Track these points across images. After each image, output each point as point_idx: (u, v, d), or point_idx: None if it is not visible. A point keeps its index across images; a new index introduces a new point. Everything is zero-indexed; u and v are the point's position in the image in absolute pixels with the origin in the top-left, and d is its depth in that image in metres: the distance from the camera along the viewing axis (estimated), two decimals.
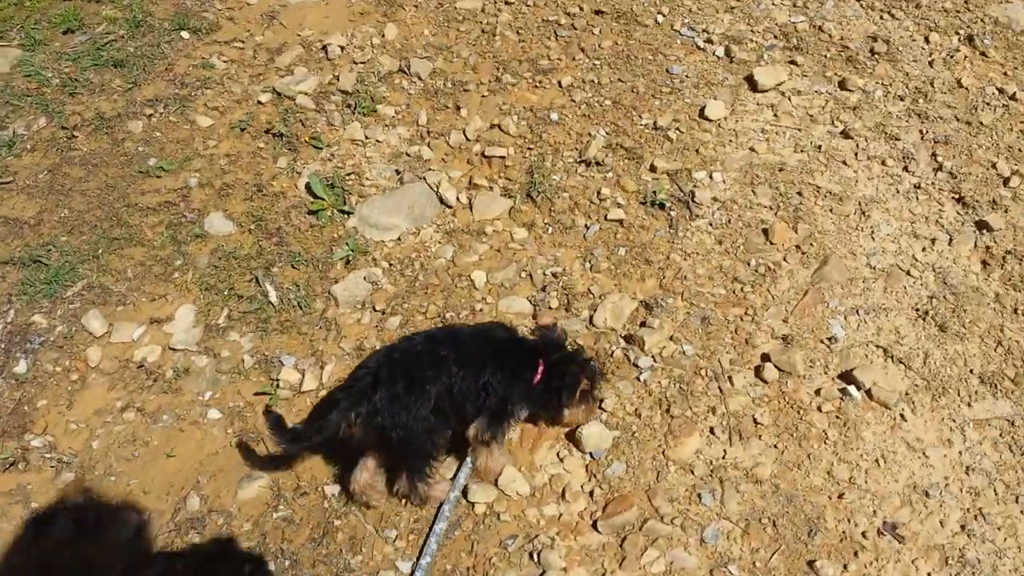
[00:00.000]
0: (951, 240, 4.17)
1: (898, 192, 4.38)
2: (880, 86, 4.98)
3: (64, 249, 3.94)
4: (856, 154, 4.58)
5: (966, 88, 4.95)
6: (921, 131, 4.73)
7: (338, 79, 4.84)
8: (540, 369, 3.08)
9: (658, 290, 3.88)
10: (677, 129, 4.67)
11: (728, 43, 5.20)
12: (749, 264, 3.99)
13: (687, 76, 5.01)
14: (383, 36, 5.16)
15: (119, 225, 4.04)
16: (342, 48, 5.04)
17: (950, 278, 3.98)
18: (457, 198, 4.23)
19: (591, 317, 3.79)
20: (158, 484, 3.28)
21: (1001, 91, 4.95)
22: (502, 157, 4.47)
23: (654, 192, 4.26)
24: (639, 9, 5.45)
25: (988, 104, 4.85)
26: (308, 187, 4.21)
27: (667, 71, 5.03)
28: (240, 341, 3.67)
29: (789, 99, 4.87)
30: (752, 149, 4.55)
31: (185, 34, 5.07)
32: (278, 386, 3.49)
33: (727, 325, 3.76)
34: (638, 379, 3.56)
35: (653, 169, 4.43)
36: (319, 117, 4.63)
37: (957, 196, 4.38)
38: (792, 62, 5.11)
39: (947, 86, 4.97)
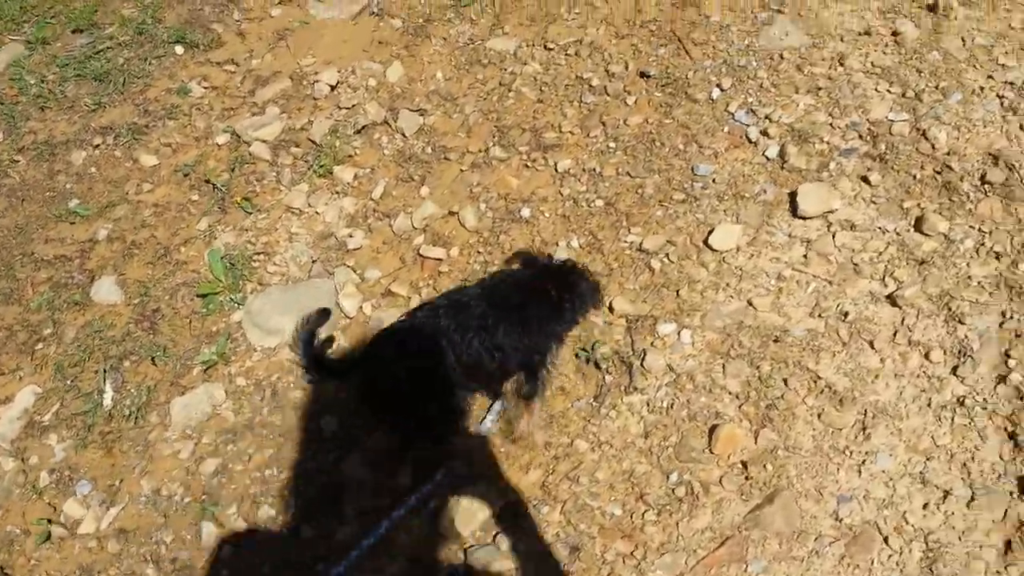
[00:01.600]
0: (972, 500, 2.96)
1: (928, 406, 3.18)
2: (973, 233, 3.67)
3: None
4: (895, 334, 3.39)
5: None
6: (1003, 314, 3.41)
7: (311, 125, 4.22)
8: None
9: (538, 490, 3.01)
10: (666, 256, 3.68)
11: (789, 139, 4.03)
12: (669, 477, 3.04)
13: (714, 180, 3.95)
14: (384, 76, 4.45)
15: (6, 276, 3.76)
16: (332, 87, 4.43)
17: (944, 562, 2.81)
18: (359, 308, 3.52)
19: (437, 511, 3.01)
20: None
21: None
22: (439, 260, 3.69)
23: (595, 345, 3.34)
24: (695, 78, 4.38)
25: None
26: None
27: (692, 170, 3.98)
28: (55, 448, 3.28)
29: (834, 236, 3.70)
30: (751, 303, 3.48)
31: (179, 49, 4.66)
32: (50, 522, 3.04)
33: (600, 566, 2.88)
34: None
35: (611, 309, 3.49)
36: (269, 171, 4.07)
37: (1011, 430, 3.10)
38: (864, 179, 3.87)
39: None
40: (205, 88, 4.51)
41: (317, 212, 3.95)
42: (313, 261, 3.74)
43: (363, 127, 4.28)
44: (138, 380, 3.41)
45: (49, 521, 3.12)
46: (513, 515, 2.98)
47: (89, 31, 4.86)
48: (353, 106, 4.38)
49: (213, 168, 4.10)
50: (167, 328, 3.58)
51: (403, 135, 4.25)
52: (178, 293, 3.69)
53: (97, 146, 4.24)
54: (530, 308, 2.93)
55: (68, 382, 3.46)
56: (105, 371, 3.45)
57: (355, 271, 3.68)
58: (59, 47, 4.78)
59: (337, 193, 4.02)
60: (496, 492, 3.03)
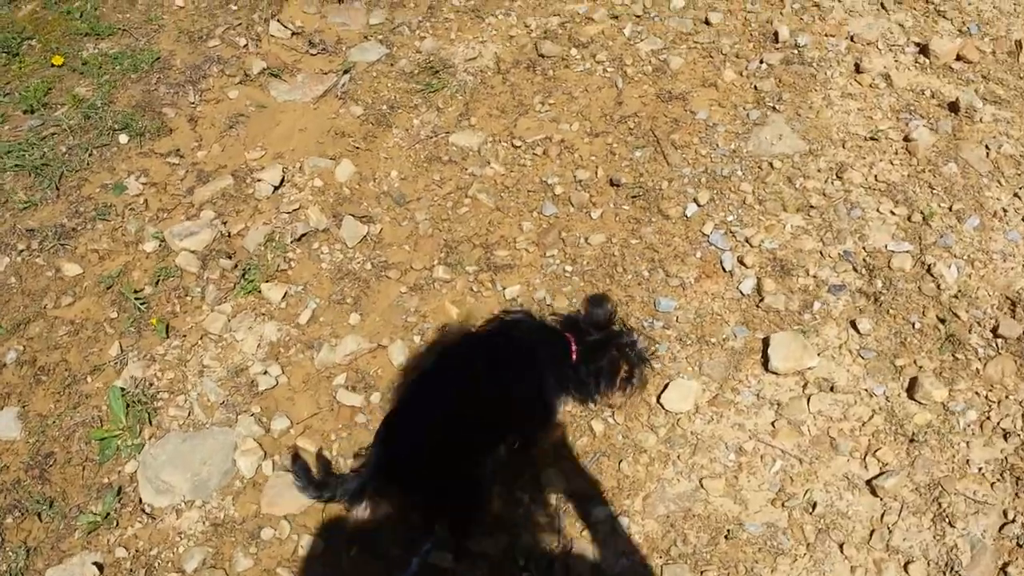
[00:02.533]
0: None
1: None
2: (977, 403, 3.09)
3: None
4: (871, 535, 2.84)
5: None
6: (1005, 515, 2.84)
7: (247, 231, 3.82)
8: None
9: None
10: (612, 416, 3.15)
11: (768, 270, 3.49)
12: None
13: (677, 319, 3.43)
14: (333, 175, 4.03)
15: None
16: (275, 187, 4.01)
17: None
18: (259, 466, 3.09)
19: None
20: None
21: None
22: (355, 407, 3.24)
23: (516, 543, 2.85)
24: (671, 189, 3.88)
25: None
26: None
27: (654, 304, 3.47)
28: None
29: (809, 399, 3.14)
30: (703, 484, 2.94)
31: (123, 138, 4.33)
32: None
33: None
34: None
35: (539, 485, 2.99)
36: (194, 286, 3.67)
37: None
38: (854, 325, 3.31)
39: None
40: (143, 184, 4.16)
41: (236, 339, 3.54)
42: (221, 403, 3.31)
43: (302, 235, 3.87)
44: (19, 539, 3.07)
45: None
46: None
47: (40, 112, 4.57)
48: (295, 210, 3.98)
49: (137, 280, 3.74)
50: (58, 477, 3.21)
51: (344, 245, 3.82)
52: (75, 434, 3.34)
53: (20, 251, 3.91)
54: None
55: None
56: None
57: (261, 420, 3.25)
58: (6, 129, 4.47)
59: (261, 315, 3.62)
60: None
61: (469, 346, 2.97)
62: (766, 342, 3.29)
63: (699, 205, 3.80)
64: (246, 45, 4.94)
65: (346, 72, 4.76)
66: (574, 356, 2.83)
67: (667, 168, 3.99)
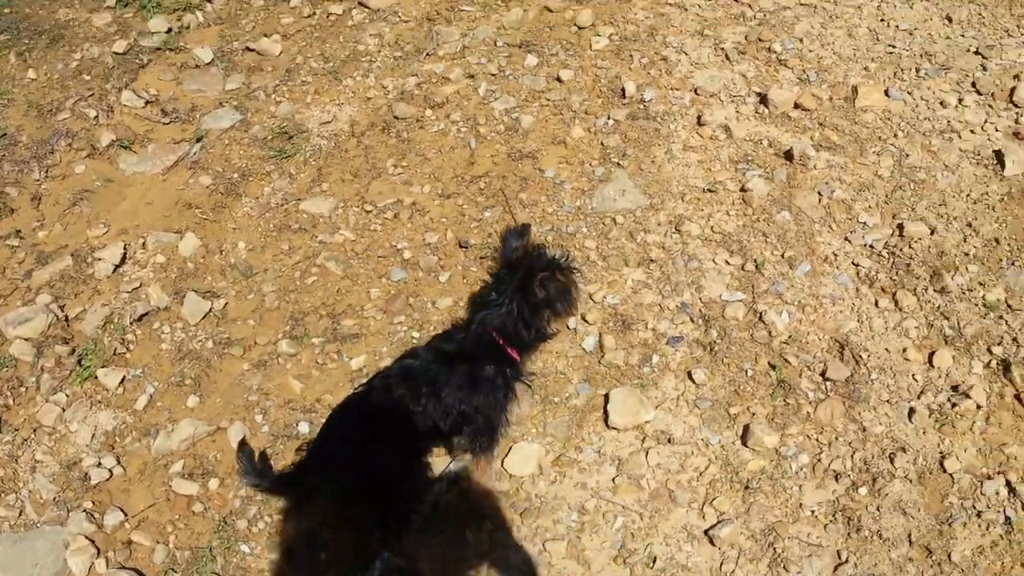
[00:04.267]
0: None
1: None
2: (809, 446, 3.18)
3: None
4: None
5: (951, 475, 3.05)
6: (838, 555, 2.96)
7: (84, 315, 3.67)
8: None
9: None
10: (456, 486, 3.10)
11: (609, 326, 3.52)
12: None
13: (525, 381, 3.38)
14: (176, 250, 3.91)
15: None
16: (116, 266, 3.87)
17: None
18: (91, 566, 2.94)
19: None
20: None
21: (1013, 491, 3.00)
22: (191, 496, 3.11)
23: None
24: None
25: (978, 516, 2.98)
26: None
27: None
28: None
29: (647, 453, 3.17)
30: (544, 547, 2.91)
31: None
32: None
33: None
34: None
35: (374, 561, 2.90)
36: (29, 377, 3.51)
37: None
38: (691, 376, 3.35)
39: (919, 466, 3.10)
40: None
41: (70, 431, 3.42)
42: (53, 499, 3.18)
43: (142, 315, 3.76)
44: None
45: None
46: None
47: None
48: (135, 289, 3.88)
49: None
50: None
51: (186, 323, 3.71)
52: None
53: None
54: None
55: None
56: None
57: (92, 516, 3.11)
58: None
59: (98, 403, 3.50)
60: None
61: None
62: (607, 398, 3.32)
63: None
64: (97, 116, 4.85)
65: (198, 140, 4.71)
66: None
67: None
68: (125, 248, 4.05)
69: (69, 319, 3.82)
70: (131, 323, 3.77)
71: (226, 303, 3.84)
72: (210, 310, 3.81)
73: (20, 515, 3.18)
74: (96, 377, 3.57)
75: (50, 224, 4.27)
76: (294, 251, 4.04)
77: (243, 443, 3.12)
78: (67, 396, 3.54)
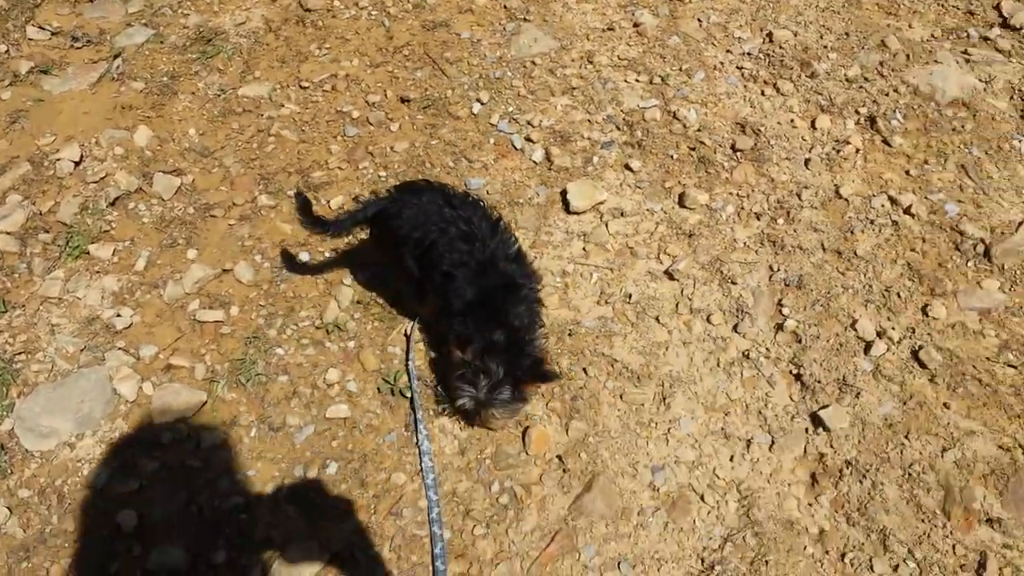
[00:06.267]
0: (773, 444, 3.06)
1: (718, 365, 3.27)
2: (732, 200, 3.83)
3: None
4: (677, 306, 3.46)
5: (845, 199, 3.77)
6: (771, 268, 3.58)
7: (58, 207, 3.85)
8: None
9: (362, 533, 2.83)
10: None
11: (552, 141, 4.08)
12: (491, 488, 2.95)
13: (488, 192, 3.94)
14: (132, 141, 4.14)
15: None
16: (76, 163, 4.09)
17: (758, 507, 2.88)
18: (139, 388, 3.22)
19: None
20: None
21: (894, 201, 3.77)
22: (219, 322, 3.43)
23: (396, 375, 3.21)
24: (455, 95, 4.36)
25: (871, 223, 3.67)
26: None
27: (465, 184, 3.94)
28: None
29: (607, 224, 3.76)
30: (541, 303, 3.44)
31: None
32: None
33: None
34: None
35: (405, 336, 3.35)
36: (19, 264, 3.68)
37: (796, 371, 3.24)
38: (627, 167, 3.97)
39: (821, 197, 3.79)
40: None
41: (78, 297, 3.64)
42: (81, 350, 3.42)
43: (116, 199, 4.00)
44: None
45: None
46: (341, 565, 2.81)
47: None
48: (102, 179, 4.09)
49: None
50: None
51: (161, 199, 4.02)
52: None
53: None
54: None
55: None
56: None
57: (127, 351, 3.40)
58: None
59: (97, 273, 3.73)
60: (319, 546, 2.85)
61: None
62: (564, 192, 3.91)
63: (482, 103, 4.38)
64: (7, 51, 4.93)
65: (116, 56, 4.91)
66: None
67: (447, 80, 4.54)
68: (80, 147, 4.23)
69: (43, 213, 4.01)
70: (107, 207, 4.00)
71: (193, 179, 4.15)
72: (180, 185, 4.09)
73: (52, 368, 3.43)
74: (88, 253, 3.80)
75: None
76: (245, 129, 4.38)
77: (299, 193, 3.39)
78: (64, 272, 3.74)
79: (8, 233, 3.86)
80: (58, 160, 4.18)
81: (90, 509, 2.98)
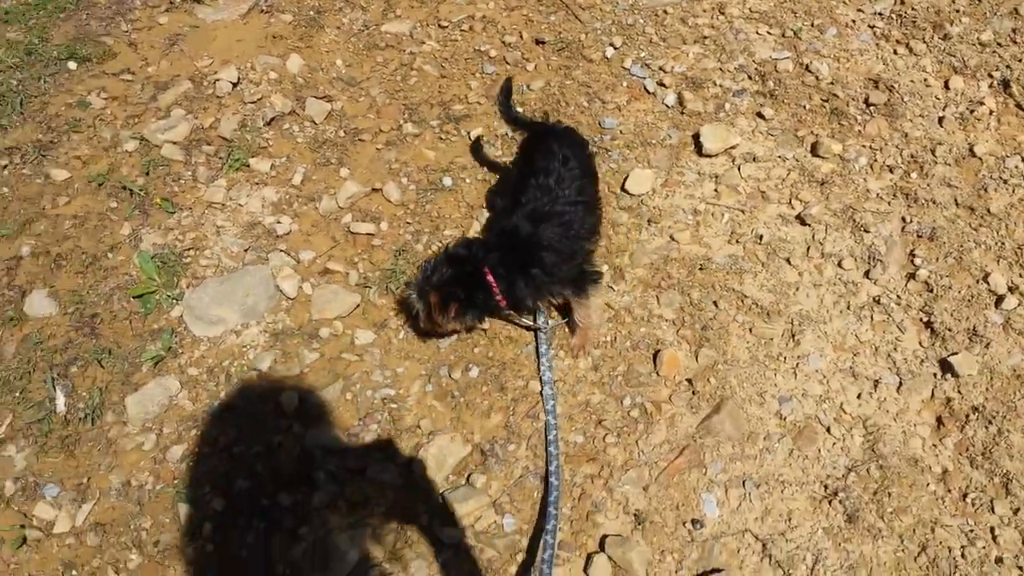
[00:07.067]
0: (900, 385, 3.18)
1: (848, 308, 3.39)
2: (865, 152, 3.92)
3: None
4: (808, 249, 3.59)
5: (979, 158, 3.82)
6: (904, 219, 3.67)
7: (218, 123, 4.16)
8: None
9: (502, 430, 3.08)
10: None
11: (684, 87, 4.22)
12: (623, 402, 3.14)
13: (621, 131, 4.09)
14: (285, 68, 4.42)
15: None
16: (234, 84, 4.38)
17: (884, 443, 3.01)
18: (300, 287, 3.51)
19: (410, 462, 3.03)
20: None
21: None
22: (370, 235, 3.70)
23: None
24: (589, 39, 4.52)
25: (1005, 183, 3.73)
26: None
27: (599, 124, 4.12)
28: (15, 458, 3.18)
29: (739, 168, 3.88)
30: (673, 238, 3.64)
31: (72, 64, 4.53)
32: (24, 526, 2.94)
33: (571, 488, 2.95)
34: (437, 560, 2.80)
35: None
36: (185, 171, 4.00)
37: (926, 319, 3.34)
38: (760, 115, 4.09)
39: (954, 155, 3.86)
40: (105, 99, 4.42)
41: (240, 204, 3.93)
42: (245, 250, 3.72)
43: (272, 119, 4.27)
44: (88, 384, 3.34)
45: (22, 526, 3.02)
46: (482, 455, 3.05)
47: None
48: (258, 100, 4.36)
49: (127, 175, 4.03)
50: (108, 331, 3.51)
51: (313, 122, 4.27)
52: (113, 297, 3.62)
53: (4, 167, 4.10)
54: None
55: (16, 395, 3.36)
56: (53, 379, 3.35)
57: (288, 254, 3.68)
58: None
59: (257, 184, 4.01)
60: (461, 439, 3.10)
61: None
62: (696, 136, 4.04)
63: (615, 48, 4.51)
64: None
65: None
66: None
67: (580, 25, 4.68)
68: (237, 70, 4.51)
69: (204, 127, 4.30)
70: (263, 126, 4.27)
71: (342, 105, 4.38)
72: (330, 111, 4.34)
73: (218, 264, 3.72)
74: (248, 166, 4.08)
75: (155, 62, 4.70)
76: (388, 62, 4.60)
77: (508, 80, 3.68)
78: (226, 182, 4.03)
79: (174, 143, 4.16)
80: (217, 80, 4.46)
81: (256, 389, 3.27)
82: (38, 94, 4.45)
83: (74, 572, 2.91)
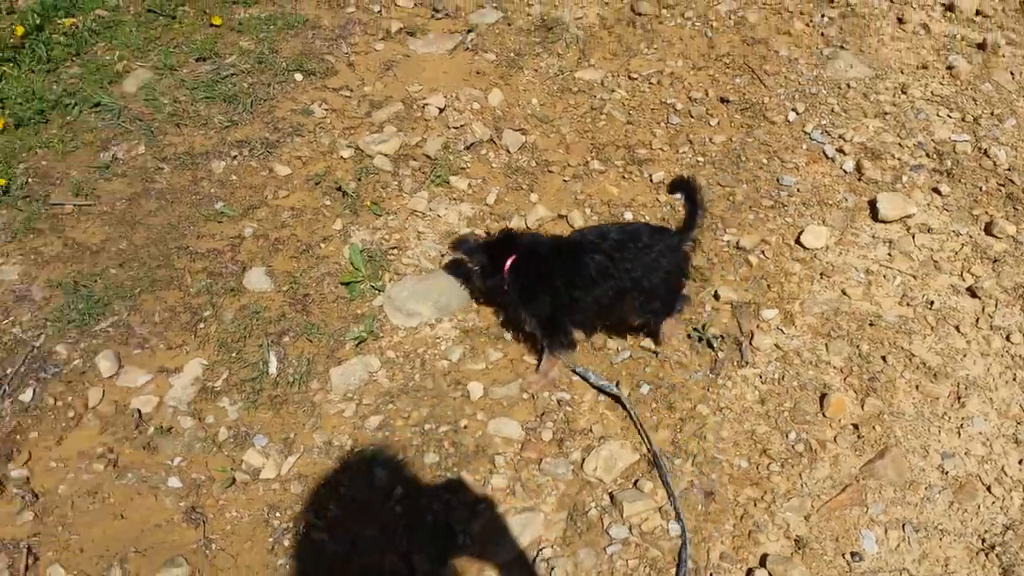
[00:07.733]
0: None
1: (1014, 379, 3.54)
2: None
3: (109, 282, 4.07)
4: (977, 320, 3.75)
5: None
6: None
7: (424, 142, 4.66)
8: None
9: (668, 446, 3.35)
10: (762, 253, 4.07)
11: (863, 156, 4.48)
12: (788, 436, 3.37)
13: (799, 190, 4.36)
14: (486, 101, 4.91)
15: (166, 266, 4.12)
16: (440, 110, 4.88)
17: None
18: None
19: (582, 461, 3.34)
20: (96, 545, 3.27)
21: None
22: None
23: (704, 326, 3.71)
24: (772, 103, 4.84)
25: None
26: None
27: (777, 180, 4.41)
28: (228, 409, 3.61)
29: (914, 236, 4.09)
30: (844, 292, 3.86)
31: (299, 76, 5.12)
32: (233, 468, 3.38)
33: (734, 508, 3.19)
34: (604, 550, 3.08)
35: (716, 297, 3.87)
36: (392, 181, 4.49)
37: None
38: (936, 190, 4.30)
39: None
40: (326, 110, 4.97)
41: (439, 215, 4.35)
42: (442, 255, 4.12)
43: (471, 144, 4.71)
44: (297, 353, 3.77)
45: (232, 469, 3.45)
46: (649, 464, 3.32)
47: (212, 59, 5.35)
48: (461, 126, 4.83)
49: (342, 177, 4.52)
50: (317, 310, 3.95)
51: (508, 151, 4.69)
52: (323, 281, 4.07)
53: (235, 157, 4.67)
54: None
55: (233, 355, 3.82)
56: (268, 345, 3.81)
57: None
58: (186, 72, 5.25)
59: (454, 199, 4.43)
60: (630, 447, 3.38)
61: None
62: (873, 201, 4.26)
63: (797, 113, 4.80)
64: (379, 11, 5.85)
65: (470, 31, 5.70)
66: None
67: (764, 89, 5.00)
68: (444, 98, 5.00)
69: (412, 145, 4.78)
70: (464, 149, 4.72)
71: (535, 139, 4.80)
72: (524, 142, 4.76)
73: (418, 265, 4.13)
74: (448, 182, 4.51)
75: (371, 83, 5.25)
76: (579, 105, 5.01)
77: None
78: (428, 194, 4.48)
79: (385, 155, 4.65)
80: (425, 105, 4.96)
81: (446, 376, 3.64)
82: (267, 98, 5.04)
83: (277, 514, 3.26)
